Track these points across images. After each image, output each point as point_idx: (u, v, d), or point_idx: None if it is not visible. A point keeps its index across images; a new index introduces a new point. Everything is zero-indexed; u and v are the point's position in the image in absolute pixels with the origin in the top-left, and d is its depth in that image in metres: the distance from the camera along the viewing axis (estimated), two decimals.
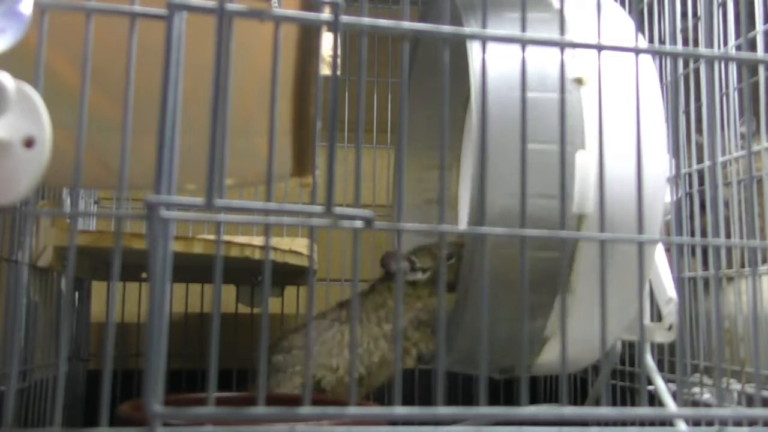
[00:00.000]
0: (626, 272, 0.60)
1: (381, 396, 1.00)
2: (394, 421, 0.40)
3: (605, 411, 0.42)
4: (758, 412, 0.56)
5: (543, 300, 0.77)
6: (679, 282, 0.91)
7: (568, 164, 0.74)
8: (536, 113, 0.69)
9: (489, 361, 0.74)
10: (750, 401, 0.81)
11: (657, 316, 0.89)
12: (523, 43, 0.44)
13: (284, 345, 0.94)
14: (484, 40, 0.43)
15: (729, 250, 0.90)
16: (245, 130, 0.60)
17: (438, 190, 1.17)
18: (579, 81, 0.76)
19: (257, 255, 0.89)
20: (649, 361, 0.93)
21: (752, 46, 0.85)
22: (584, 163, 0.75)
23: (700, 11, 0.95)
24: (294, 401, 0.37)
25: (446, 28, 0.42)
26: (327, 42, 0.47)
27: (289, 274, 1.12)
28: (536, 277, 0.69)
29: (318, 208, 0.38)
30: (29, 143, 0.39)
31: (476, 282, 0.75)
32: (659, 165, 0.81)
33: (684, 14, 0.98)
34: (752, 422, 0.44)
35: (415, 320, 0.90)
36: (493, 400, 0.38)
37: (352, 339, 0.86)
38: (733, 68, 0.92)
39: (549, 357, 0.82)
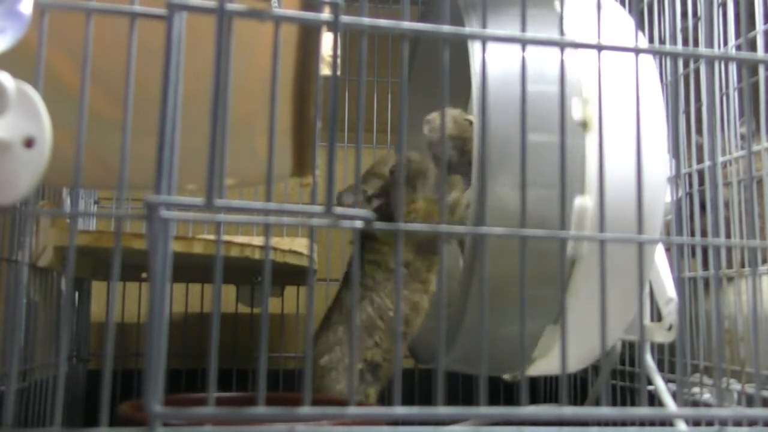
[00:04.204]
0: (626, 273, 0.60)
1: (381, 396, 1.00)
2: (394, 421, 0.40)
3: (605, 411, 0.42)
4: (758, 412, 0.56)
5: (533, 329, 0.78)
6: (679, 282, 0.91)
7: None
8: (537, 109, 0.68)
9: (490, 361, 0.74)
10: (750, 401, 0.81)
11: (657, 316, 0.89)
12: (523, 43, 0.44)
13: (323, 347, 0.96)
14: (484, 40, 0.43)
15: (729, 250, 0.90)
16: (245, 130, 0.60)
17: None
18: (584, 125, 0.75)
19: (257, 255, 0.89)
20: (649, 361, 0.93)
21: (752, 46, 0.85)
22: (582, 207, 0.75)
23: (700, 11, 0.95)
24: (294, 401, 0.37)
25: (446, 28, 0.42)
26: (327, 42, 0.47)
27: (289, 274, 1.12)
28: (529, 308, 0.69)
29: (318, 208, 0.38)
30: (29, 143, 0.39)
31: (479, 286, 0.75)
32: (659, 165, 0.81)
33: (684, 14, 0.98)
34: (752, 422, 0.44)
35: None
36: (493, 400, 0.38)
37: (352, 335, 0.86)
38: (733, 68, 0.92)
39: (548, 359, 0.82)
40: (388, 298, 0.92)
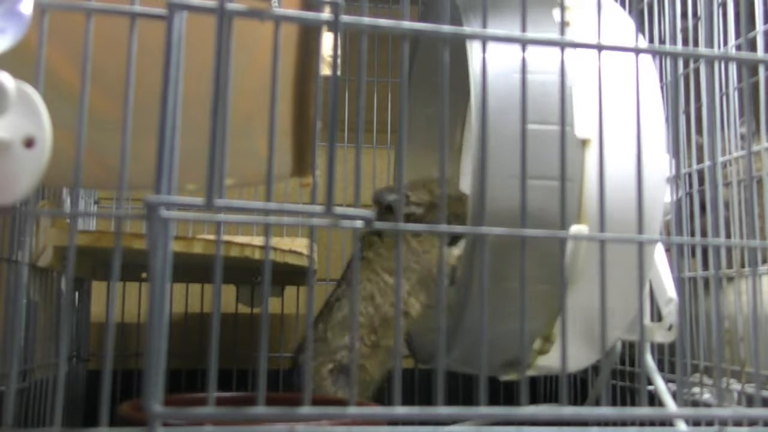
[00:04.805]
0: (626, 273, 0.60)
1: (381, 396, 1.00)
2: (394, 421, 0.40)
3: (605, 411, 0.42)
4: (758, 412, 0.56)
5: (536, 324, 0.78)
6: (679, 282, 0.91)
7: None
8: (537, 99, 0.68)
9: (490, 360, 0.74)
10: (750, 401, 0.81)
11: (657, 316, 0.89)
12: (523, 43, 0.44)
13: (303, 344, 0.96)
14: (484, 40, 0.43)
15: (729, 250, 0.90)
16: (245, 130, 0.60)
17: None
18: (584, 143, 0.75)
19: (257, 255, 0.89)
20: (649, 361, 0.93)
21: (752, 46, 0.85)
22: (578, 235, 0.74)
23: (700, 11, 0.95)
24: (294, 401, 0.37)
25: (446, 28, 0.42)
26: (327, 42, 0.47)
27: (289, 274, 1.12)
28: (531, 305, 0.69)
29: (318, 208, 0.38)
30: (29, 143, 0.39)
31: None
32: (659, 165, 0.81)
33: (684, 14, 0.98)
34: (752, 422, 0.44)
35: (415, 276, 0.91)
36: (493, 400, 0.38)
37: (353, 327, 0.86)
38: (733, 68, 0.92)
39: (549, 359, 0.82)
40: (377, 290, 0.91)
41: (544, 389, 1.33)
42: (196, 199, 0.36)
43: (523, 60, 0.46)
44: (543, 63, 0.71)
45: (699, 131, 0.97)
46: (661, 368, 0.94)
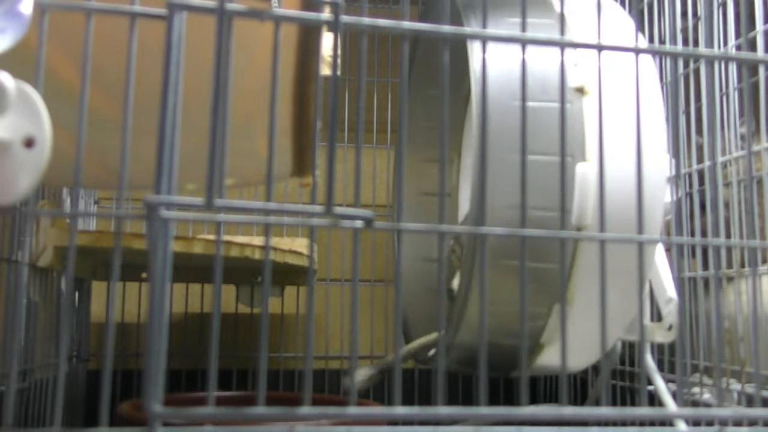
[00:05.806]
0: (626, 273, 0.60)
1: (381, 396, 1.00)
2: (394, 421, 0.40)
3: (605, 411, 0.42)
4: (758, 412, 0.56)
5: (540, 310, 0.77)
6: (679, 282, 0.91)
7: (568, 174, 0.73)
8: (537, 122, 0.68)
9: (490, 362, 0.73)
10: (750, 401, 0.81)
11: (657, 316, 0.89)
12: (524, 43, 0.44)
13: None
14: (485, 40, 0.43)
15: (729, 250, 0.90)
16: (245, 130, 0.60)
17: (437, 184, 1.16)
18: (581, 90, 0.75)
19: (257, 255, 0.89)
20: (649, 361, 0.93)
21: (752, 46, 0.85)
22: (584, 174, 0.74)
23: (700, 11, 0.95)
24: (294, 401, 0.37)
25: (446, 28, 0.42)
26: (327, 42, 0.47)
27: (289, 274, 1.12)
28: (533, 287, 0.69)
29: (318, 208, 0.38)
30: (29, 143, 0.39)
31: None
32: (659, 165, 0.81)
33: (684, 14, 0.98)
34: (752, 422, 0.44)
35: None
36: (493, 400, 0.38)
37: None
38: (733, 68, 0.92)
39: (549, 358, 0.82)
40: None
41: (544, 389, 1.33)
42: (196, 199, 0.36)
43: (523, 61, 0.46)
44: (552, 73, 0.71)
45: (699, 131, 0.97)
46: (661, 368, 0.94)
